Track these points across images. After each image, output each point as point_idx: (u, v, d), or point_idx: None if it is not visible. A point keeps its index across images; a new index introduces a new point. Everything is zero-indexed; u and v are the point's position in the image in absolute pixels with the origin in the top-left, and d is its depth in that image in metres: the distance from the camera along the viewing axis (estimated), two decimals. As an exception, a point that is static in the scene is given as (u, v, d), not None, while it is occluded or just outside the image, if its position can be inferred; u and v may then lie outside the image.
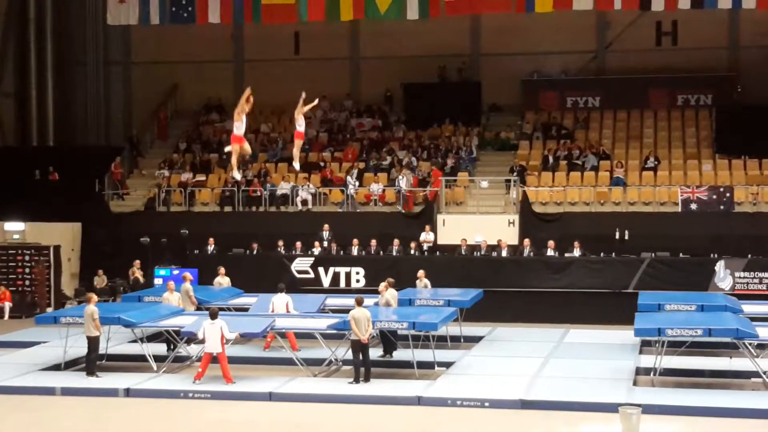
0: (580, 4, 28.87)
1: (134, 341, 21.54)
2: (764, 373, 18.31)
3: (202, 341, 18.90)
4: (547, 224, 29.59)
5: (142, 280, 28.48)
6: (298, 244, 28.90)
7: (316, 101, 21.77)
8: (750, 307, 21.95)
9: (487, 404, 17.03)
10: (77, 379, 19.00)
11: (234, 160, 20.39)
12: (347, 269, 27.90)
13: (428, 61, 36.20)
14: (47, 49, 37.84)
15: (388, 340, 20.81)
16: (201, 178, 33.63)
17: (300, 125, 21.35)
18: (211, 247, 29.46)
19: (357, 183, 31.67)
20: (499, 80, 36.06)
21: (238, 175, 22.62)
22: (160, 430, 16.21)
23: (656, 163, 31.97)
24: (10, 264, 29.44)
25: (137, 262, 28.81)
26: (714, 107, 34.08)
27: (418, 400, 17.33)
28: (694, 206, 29.27)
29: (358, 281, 27.70)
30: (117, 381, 18.66)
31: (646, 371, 19.37)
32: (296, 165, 21.94)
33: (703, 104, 34.57)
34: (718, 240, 27.76)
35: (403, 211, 30.82)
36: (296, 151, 21.60)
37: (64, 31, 38.63)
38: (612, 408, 15.92)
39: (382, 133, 35.76)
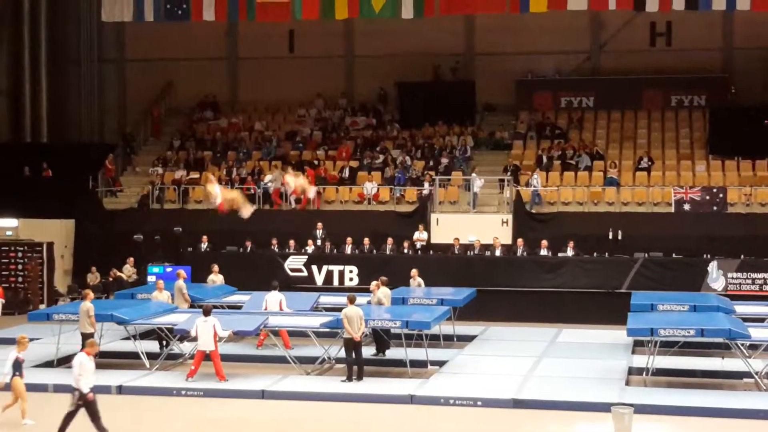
0: (575, 4, 28.83)
1: (127, 338, 21.52)
2: (756, 373, 18.38)
3: (195, 339, 18.90)
4: (540, 224, 29.62)
5: (126, 278, 28.37)
6: (292, 242, 28.91)
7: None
8: (742, 308, 22.04)
9: (479, 403, 17.06)
10: (70, 376, 18.91)
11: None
12: (341, 267, 27.92)
13: (423, 60, 36.19)
14: (41, 45, 37.82)
15: (381, 338, 20.82)
16: (195, 175, 33.54)
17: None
18: (204, 245, 29.46)
19: (539, 182, 30.81)
20: (494, 80, 36.03)
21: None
22: (152, 427, 16.19)
23: (650, 163, 31.98)
24: (3, 261, 29.41)
25: (131, 260, 28.79)
26: (707, 108, 34.02)
27: (411, 399, 17.36)
28: (687, 207, 29.32)
29: (351, 279, 27.70)
30: (109, 378, 18.61)
31: (639, 371, 19.43)
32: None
33: (697, 105, 34.57)
34: (710, 241, 27.80)
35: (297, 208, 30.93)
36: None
37: (59, 28, 38.58)
38: (604, 408, 15.96)
39: (376, 131, 35.73)
